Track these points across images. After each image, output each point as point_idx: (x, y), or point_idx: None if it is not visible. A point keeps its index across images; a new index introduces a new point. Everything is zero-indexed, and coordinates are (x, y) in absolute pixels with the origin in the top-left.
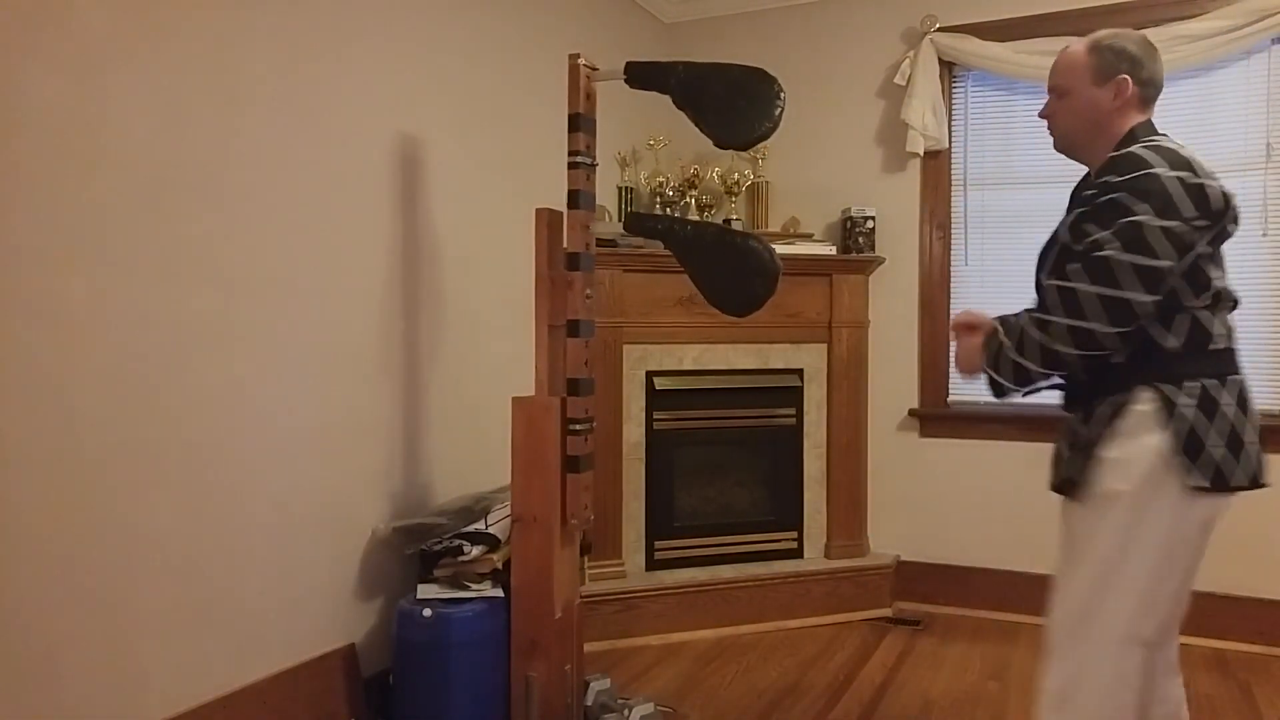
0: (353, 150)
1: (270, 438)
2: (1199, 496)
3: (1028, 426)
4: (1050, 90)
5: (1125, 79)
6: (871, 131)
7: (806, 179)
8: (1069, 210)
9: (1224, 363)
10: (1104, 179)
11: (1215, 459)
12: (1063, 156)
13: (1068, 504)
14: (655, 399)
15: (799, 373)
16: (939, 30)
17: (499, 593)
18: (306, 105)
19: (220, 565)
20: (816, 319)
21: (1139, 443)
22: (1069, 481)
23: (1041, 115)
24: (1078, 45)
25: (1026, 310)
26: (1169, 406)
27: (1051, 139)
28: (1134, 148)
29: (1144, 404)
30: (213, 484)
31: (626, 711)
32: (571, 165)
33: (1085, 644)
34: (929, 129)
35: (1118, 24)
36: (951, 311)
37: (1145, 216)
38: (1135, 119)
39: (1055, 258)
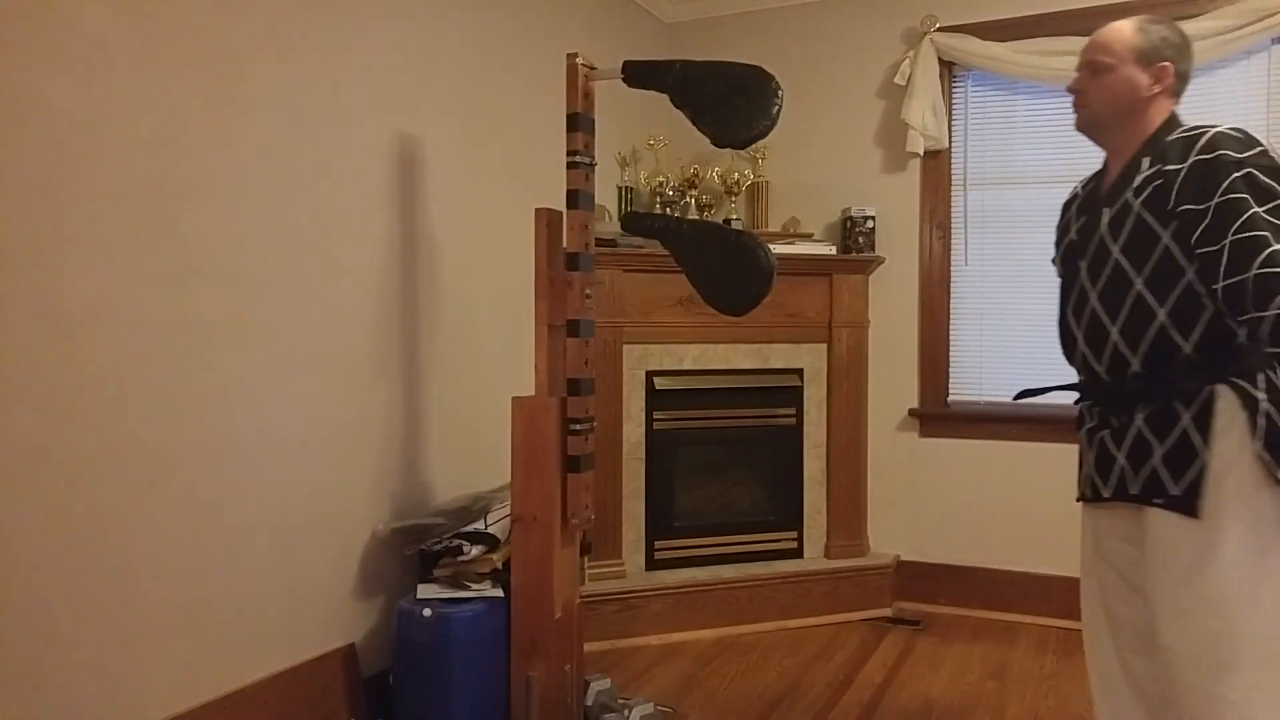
0: (352, 150)
1: (270, 438)
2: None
3: (1028, 426)
4: (1086, 65)
5: (1168, 65)
6: (871, 131)
7: (806, 179)
8: (1113, 204)
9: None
10: (1215, 154)
11: None
12: (1063, 156)
13: (1142, 513)
14: (655, 399)
15: (799, 373)
16: (939, 30)
17: (499, 593)
18: (306, 105)
19: (220, 565)
20: (816, 319)
21: (1233, 441)
22: (1157, 490)
23: (1071, 89)
24: (1124, 24)
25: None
26: (1251, 401)
27: (1076, 115)
28: (1221, 129)
29: (1226, 399)
30: (212, 484)
31: (626, 711)
32: (570, 165)
33: (1243, 668)
34: (929, 129)
35: None
36: (952, 311)
37: None
38: (1167, 108)
39: (1160, 255)
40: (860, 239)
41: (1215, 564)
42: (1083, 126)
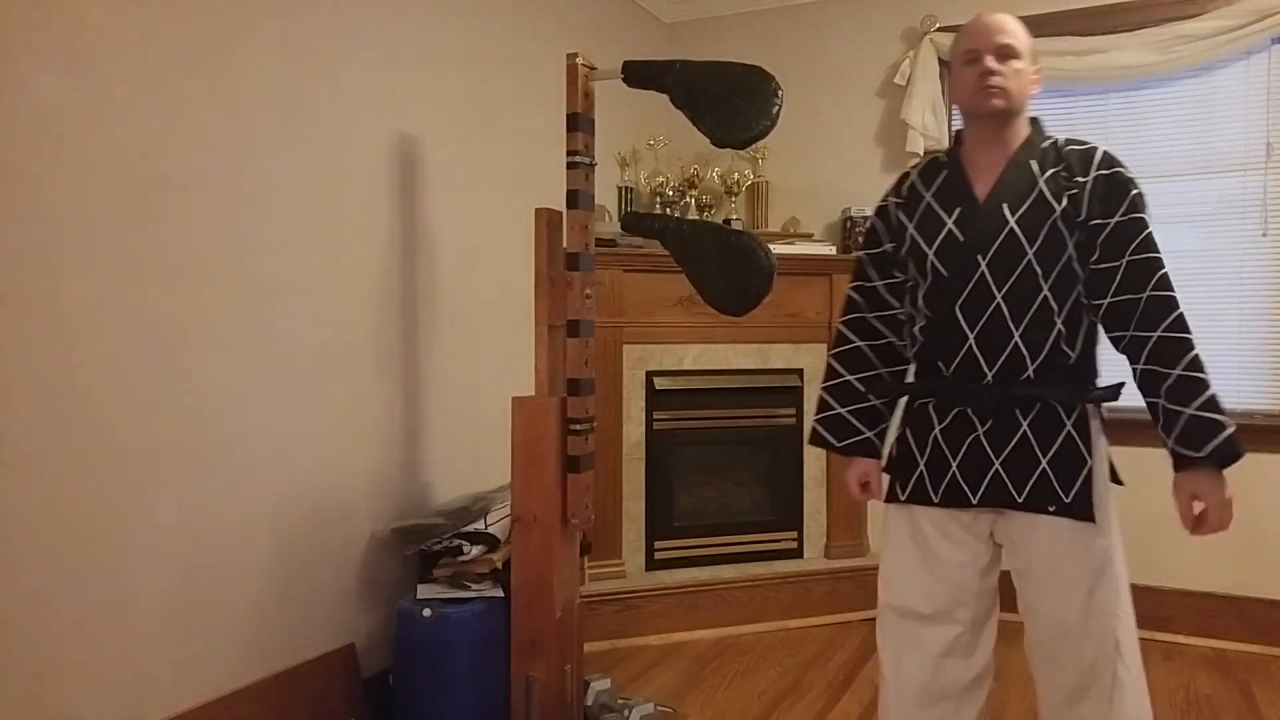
0: (352, 150)
1: (270, 438)
2: None
3: None
4: (1002, 49)
5: (1041, 69)
6: (871, 131)
7: (806, 179)
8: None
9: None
10: (1113, 170)
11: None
12: None
13: (1011, 519)
14: (655, 399)
15: (799, 373)
16: (939, 30)
17: (499, 593)
18: (306, 105)
19: (220, 566)
20: (816, 319)
21: (1101, 447)
22: (1048, 498)
23: (990, 69)
24: (1006, 16)
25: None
26: (1100, 411)
27: (986, 98)
28: (1104, 147)
29: (1093, 406)
30: (212, 484)
31: (626, 711)
32: (570, 165)
33: (1125, 666)
34: (929, 129)
35: (1117, 24)
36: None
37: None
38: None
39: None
40: (860, 239)
41: (1111, 568)
42: (994, 111)
